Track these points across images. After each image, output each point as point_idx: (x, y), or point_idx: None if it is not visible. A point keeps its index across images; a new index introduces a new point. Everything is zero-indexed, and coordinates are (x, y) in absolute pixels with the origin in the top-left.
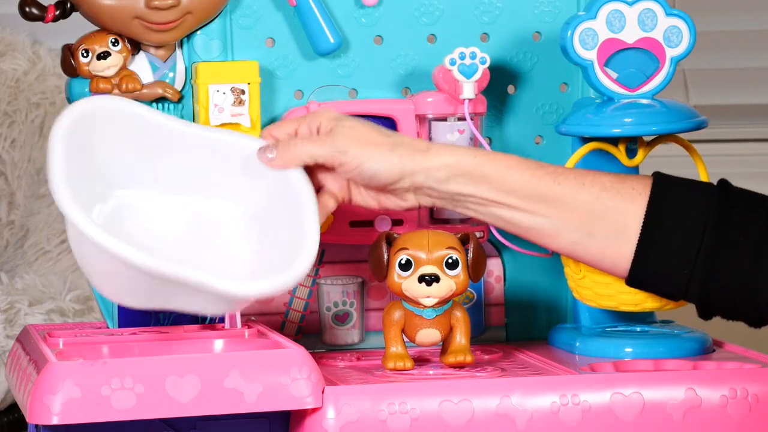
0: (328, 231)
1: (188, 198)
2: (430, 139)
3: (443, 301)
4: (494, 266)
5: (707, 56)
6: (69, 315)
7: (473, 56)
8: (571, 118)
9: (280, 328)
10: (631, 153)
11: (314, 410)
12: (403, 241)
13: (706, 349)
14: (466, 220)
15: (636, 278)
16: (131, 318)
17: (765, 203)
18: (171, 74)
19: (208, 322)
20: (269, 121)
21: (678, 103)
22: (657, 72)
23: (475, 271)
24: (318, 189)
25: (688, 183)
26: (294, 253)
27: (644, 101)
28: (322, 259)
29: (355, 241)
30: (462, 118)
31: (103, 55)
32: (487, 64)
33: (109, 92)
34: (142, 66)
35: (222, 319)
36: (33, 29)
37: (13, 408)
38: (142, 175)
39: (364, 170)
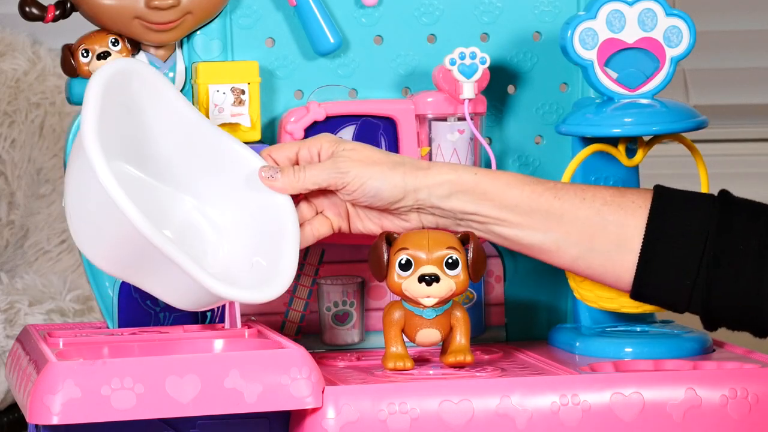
0: None
1: (182, 194)
2: (430, 139)
3: (443, 301)
4: (494, 266)
5: (707, 56)
6: (69, 315)
7: (473, 56)
8: (571, 118)
9: (280, 328)
10: (630, 153)
11: (314, 410)
12: (403, 241)
13: (706, 349)
14: None
15: (639, 292)
16: (131, 318)
17: (766, 212)
18: (171, 74)
19: (208, 322)
20: (269, 121)
21: (678, 103)
22: (657, 72)
23: (475, 271)
24: (315, 213)
25: (689, 194)
26: (272, 272)
27: (644, 101)
28: (322, 259)
29: (355, 241)
30: (462, 118)
31: (103, 55)
32: (487, 64)
33: None
34: None
35: (222, 319)
36: (33, 29)
37: (13, 408)
38: (149, 157)
39: (367, 189)
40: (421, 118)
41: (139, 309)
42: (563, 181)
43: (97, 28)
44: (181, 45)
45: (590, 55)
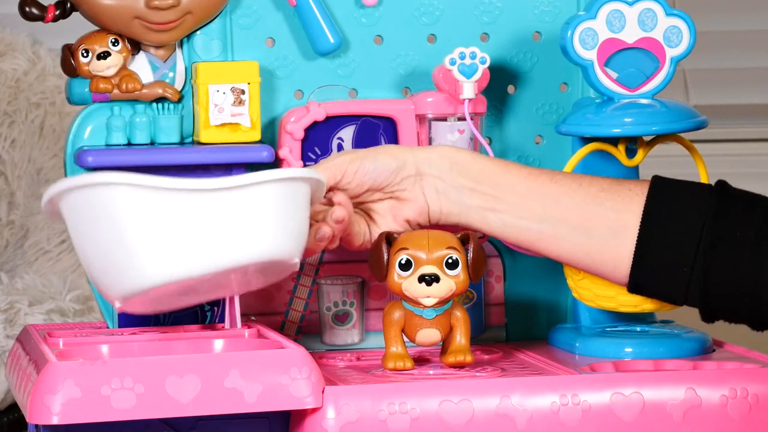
0: None
1: None
2: (430, 139)
3: (443, 301)
4: (494, 266)
5: (707, 56)
6: (69, 315)
7: (473, 56)
8: (571, 118)
9: (280, 328)
10: (630, 153)
11: (314, 410)
12: (403, 241)
13: (706, 349)
14: None
15: (637, 282)
16: (131, 318)
17: (763, 203)
18: (171, 74)
19: (208, 322)
20: (269, 121)
21: (678, 103)
22: (657, 72)
23: (475, 271)
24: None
25: (686, 184)
26: None
27: (644, 101)
28: (322, 259)
29: None
30: (462, 118)
31: (103, 55)
32: (487, 64)
33: (109, 92)
34: (142, 66)
35: (222, 319)
36: (33, 29)
37: (13, 408)
38: None
39: (366, 165)
40: (421, 118)
41: None
42: None
43: (97, 28)
44: (181, 45)
45: (590, 55)
